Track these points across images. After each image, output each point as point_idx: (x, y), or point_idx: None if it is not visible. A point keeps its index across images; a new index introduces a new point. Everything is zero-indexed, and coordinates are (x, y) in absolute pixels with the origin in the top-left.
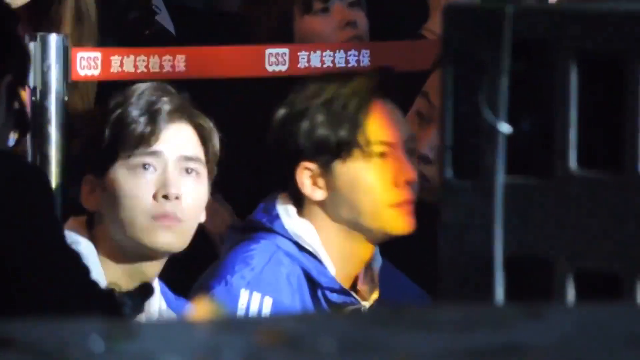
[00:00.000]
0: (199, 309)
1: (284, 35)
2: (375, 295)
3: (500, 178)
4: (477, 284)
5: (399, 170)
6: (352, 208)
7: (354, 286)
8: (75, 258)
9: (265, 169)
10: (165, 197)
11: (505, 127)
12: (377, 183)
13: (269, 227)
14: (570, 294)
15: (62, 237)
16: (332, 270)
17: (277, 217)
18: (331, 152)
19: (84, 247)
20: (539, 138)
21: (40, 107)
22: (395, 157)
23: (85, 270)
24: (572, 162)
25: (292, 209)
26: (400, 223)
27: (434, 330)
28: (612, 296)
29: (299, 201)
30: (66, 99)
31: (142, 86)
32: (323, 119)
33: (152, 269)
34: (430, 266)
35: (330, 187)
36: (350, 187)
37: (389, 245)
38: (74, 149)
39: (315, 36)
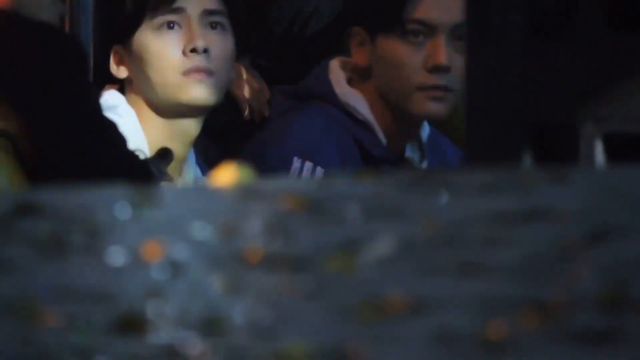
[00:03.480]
0: (225, 175)
1: None
2: (424, 165)
3: (522, 42)
4: (504, 150)
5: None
6: (388, 85)
7: (401, 156)
8: (112, 127)
9: (300, 36)
10: (194, 50)
11: None
12: (407, 64)
13: (321, 95)
14: (598, 158)
15: (98, 107)
16: (383, 141)
17: (329, 85)
18: (378, 23)
19: (123, 111)
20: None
21: None
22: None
23: (121, 140)
24: (597, 24)
25: (343, 78)
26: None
27: (458, 195)
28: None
29: (351, 69)
30: None
31: None
32: None
33: (192, 128)
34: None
35: (372, 59)
36: (385, 63)
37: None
38: (99, 21)
39: None
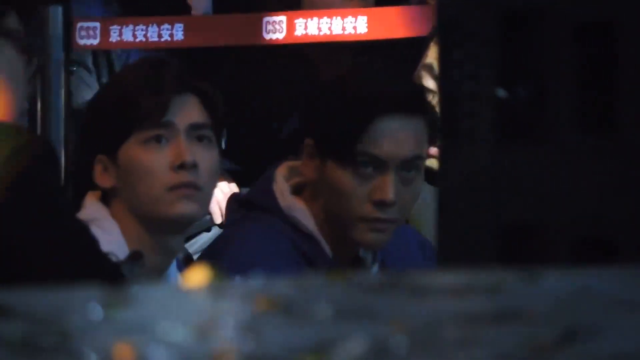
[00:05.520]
0: (195, 276)
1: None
2: (375, 266)
3: (494, 144)
4: (473, 251)
5: None
6: (332, 210)
7: (355, 258)
8: (81, 228)
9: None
10: (182, 166)
11: (499, 93)
12: (353, 195)
13: (266, 207)
14: (566, 260)
15: (67, 208)
16: (329, 252)
17: (273, 197)
18: (330, 149)
19: (106, 224)
20: (533, 104)
21: (43, 77)
22: None
23: (92, 242)
24: (567, 127)
25: (287, 189)
26: None
27: (430, 297)
28: (608, 262)
29: (299, 175)
30: (70, 68)
31: (139, 61)
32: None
33: (177, 243)
34: None
35: (319, 176)
36: (331, 188)
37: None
38: (82, 130)
39: (324, 7)
